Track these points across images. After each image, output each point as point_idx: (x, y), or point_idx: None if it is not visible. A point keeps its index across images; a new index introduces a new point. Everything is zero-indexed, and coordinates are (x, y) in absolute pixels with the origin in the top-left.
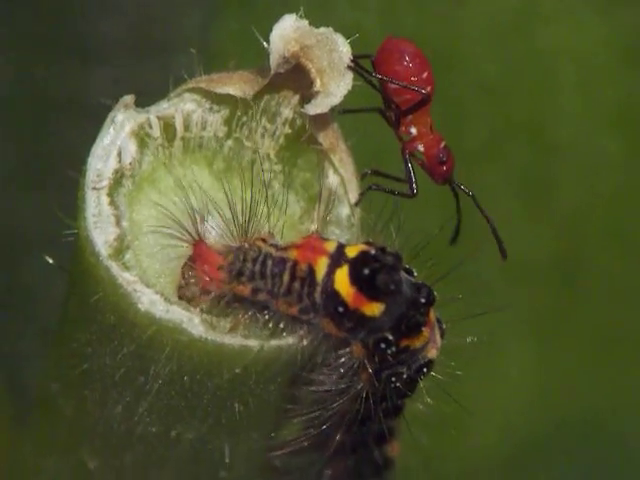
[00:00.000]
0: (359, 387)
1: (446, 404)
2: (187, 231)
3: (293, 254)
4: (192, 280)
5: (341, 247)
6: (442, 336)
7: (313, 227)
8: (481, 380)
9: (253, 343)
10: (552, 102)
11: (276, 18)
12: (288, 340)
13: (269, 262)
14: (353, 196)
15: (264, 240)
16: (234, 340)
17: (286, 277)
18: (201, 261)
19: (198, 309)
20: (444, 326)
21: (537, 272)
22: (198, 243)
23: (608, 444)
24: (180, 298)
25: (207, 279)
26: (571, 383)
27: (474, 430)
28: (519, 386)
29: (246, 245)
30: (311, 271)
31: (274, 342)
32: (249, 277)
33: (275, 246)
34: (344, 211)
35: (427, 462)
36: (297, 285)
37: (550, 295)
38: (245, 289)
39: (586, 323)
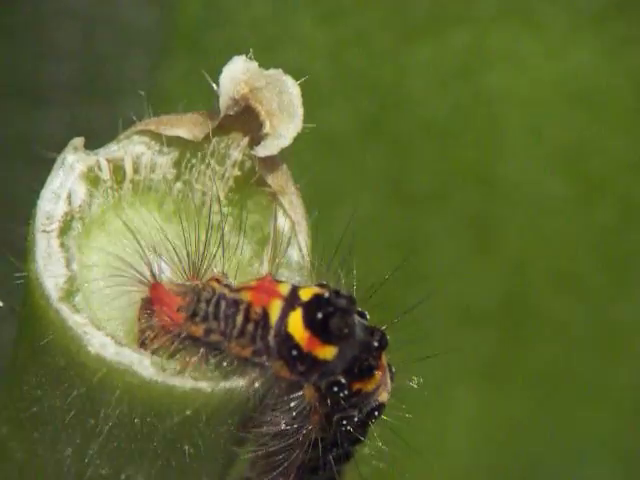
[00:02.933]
0: (309, 430)
1: (395, 447)
2: (140, 274)
3: (247, 296)
4: (149, 323)
5: (295, 290)
6: (392, 379)
7: (263, 269)
8: (429, 423)
9: (204, 385)
10: (499, 144)
11: (224, 60)
12: (239, 382)
13: (223, 303)
14: (302, 238)
15: (218, 280)
16: (185, 382)
17: (239, 319)
18: (160, 303)
19: (149, 351)
20: (394, 369)
21: (485, 315)
22: (155, 286)
23: None
24: (140, 341)
25: (167, 321)
26: (512, 426)
27: (423, 470)
28: (465, 428)
29: (200, 285)
30: (265, 314)
31: (225, 384)
32: (203, 318)
33: (229, 287)
34: (294, 253)
35: None
36: (250, 327)
37: (498, 338)
38: (198, 330)
39: (531, 366)
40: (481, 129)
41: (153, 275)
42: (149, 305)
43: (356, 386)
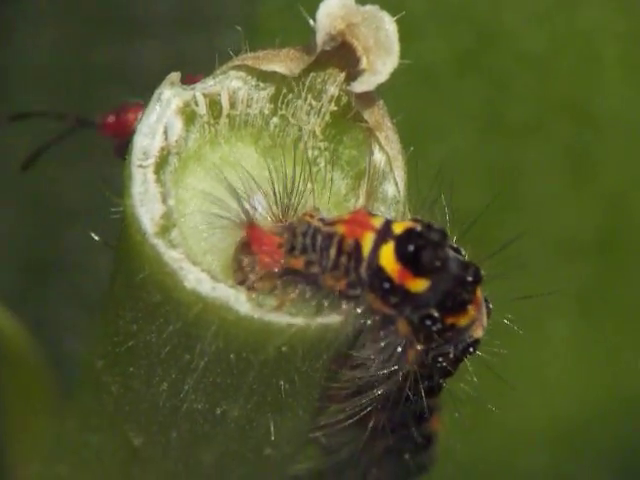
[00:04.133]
0: (406, 366)
1: (488, 382)
2: (235, 212)
3: (340, 229)
4: (249, 262)
5: (388, 223)
6: (489, 315)
7: (359, 203)
8: (525, 358)
9: (300, 321)
10: (596, 77)
11: None
12: (334, 317)
13: (318, 235)
14: (399, 173)
15: (310, 215)
16: (281, 318)
17: (333, 251)
18: (259, 243)
19: (248, 287)
20: (491, 305)
21: (582, 249)
22: (251, 226)
23: None
24: (240, 280)
25: (268, 259)
26: (609, 361)
27: (516, 407)
28: (562, 363)
29: (295, 220)
30: (357, 246)
31: (320, 319)
32: (302, 250)
33: (322, 220)
34: (390, 188)
35: (467, 438)
36: (344, 259)
37: (594, 273)
38: (298, 262)
39: (628, 301)
40: (578, 62)
41: (249, 215)
42: (247, 245)
43: (449, 320)
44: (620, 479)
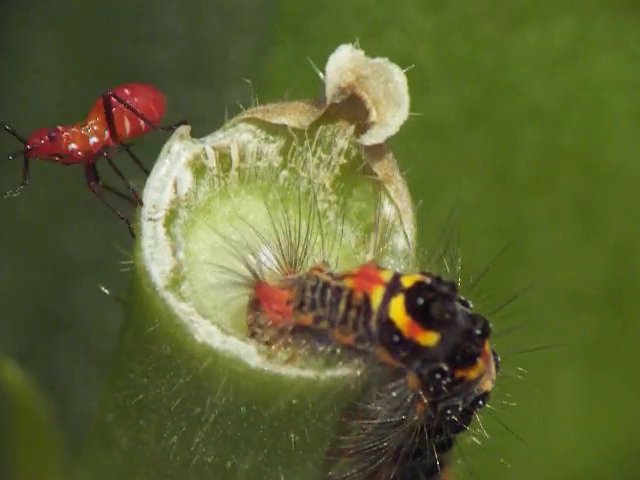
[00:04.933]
0: (414, 419)
1: (498, 436)
2: (244, 265)
3: (349, 283)
4: (259, 319)
5: (397, 276)
6: (497, 368)
7: (369, 257)
8: (533, 411)
9: (309, 374)
10: (604, 130)
11: (330, 48)
12: (343, 370)
13: (327, 290)
14: (408, 226)
15: (319, 269)
16: (291, 371)
17: (342, 306)
18: (268, 300)
19: (256, 341)
20: (499, 358)
21: (589, 301)
22: (259, 284)
23: None
24: (252, 336)
25: (277, 316)
26: (621, 413)
27: (524, 461)
28: (571, 416)
29: (304, 275)
30: (367, 300)
31: (330, 372)
32: (310, 306)
33: (331, 275)
34: (400, 241)
35: None
36: (353, 314)
37: (602, 323)
38: (307, 318)
39: (638, 352)
40: (586, 115)
41: (257, 272)
42: (257, 303)
43: (459, 374)
44: None
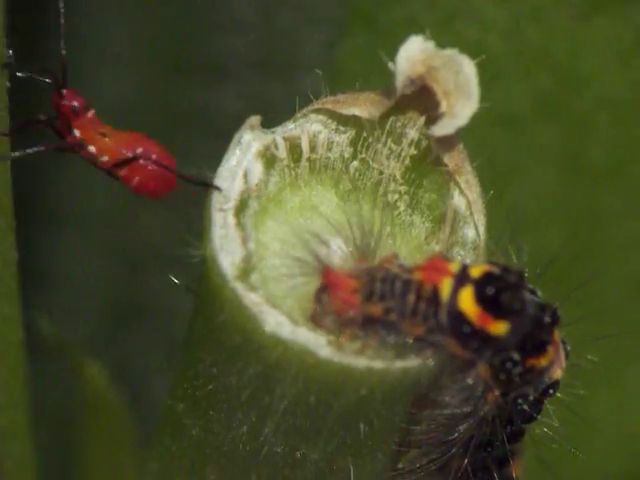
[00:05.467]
0: (485, 409)
1: (569, 425)
2: (314, 256)
3: (418, 275)
4: (327, 306)
5: (465, 267)
6: (567, 356)
7: (438, 248)
8: (604, 400)
9: (379, 364)
10: None
11: (400, 38)
12: (414, 361)
13: (396, 282)
14: (478, 217)
15: (389, 261)
16: (360, 362)
17: (412, 298)
18: (335, 288)
19: (326, 331)
20: (568, 347)
21: None
22: (327, 270)
23: None
24: (316, 325)
25: (344, 304)
26: None
27: (598, 449)
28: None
29: (374, 266)
30: (436, 292)
31: (400, 363)
32: (380, 297)
33: (400, 266)
34: (470, 232)
35: None
36: (423, 305)
37: None
38: (377, 309)
39: None
40: None
41: (326, 261)
42: (325, 290)
43: (529, 362)
44: None
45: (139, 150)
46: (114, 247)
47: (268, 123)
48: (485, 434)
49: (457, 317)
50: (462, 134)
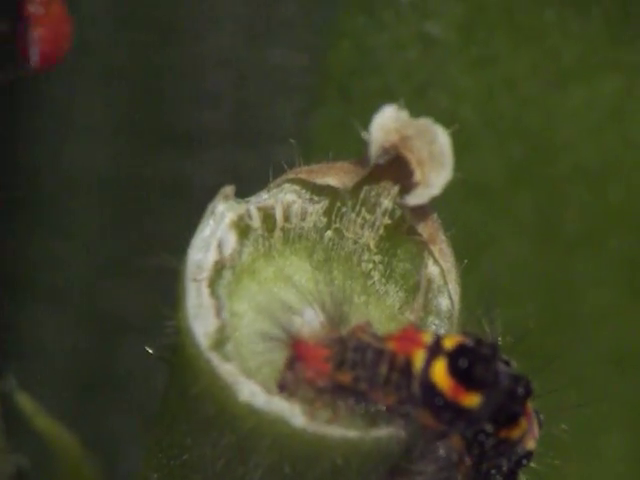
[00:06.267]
0: (458, 478)
1: None
2: (284, 327)
3: (391, 345)
4: (295, 376)
5: (438, 339)
6: (540, 426)
7: (412, 317)
8: (578, 470)
9: (353, 434)
10: None
11: (374, 108)
12: (387, 431)
13: (368, 352)
14: (453, 287)
15: (362, 329)
16: (335, 431)
17: (384, 368)
18: (305, 358)
19: (299, 401)
20: (541, 417)
21: (636, 362)
22: (298, 343)
23: None
24: (284, 393)
25: (314, 373)
26: None
27: None
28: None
29: (346, 334)
30: (408, 363)
31: (374, 433)
32: (351, 366)
33: (373, 336)
34: (444, 302)
35: None
36: (395, 376)
37: None
38: (346, 378)
39: None
40: (633, 174)
41: (297, 331)
42: (295, 361)
43: (502, 434)
44: None
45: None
46: (88, 318)
47: (242, 193)
48: None
49: (430, 389)
50: (436, 204)
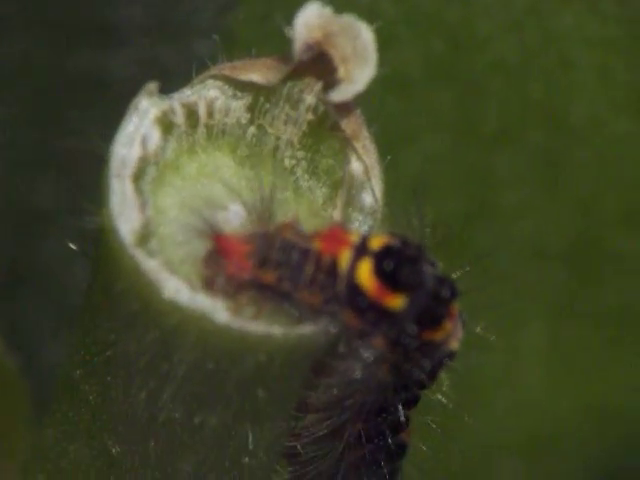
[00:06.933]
0: (381, 377)
1: (462, 392)
2: (206, 221)
3: (317, 245)
4: (217, 270)
5: (364, 239)
6: (463, 326)
7: (336, 214)
8: (499, 366)
9: (277, 331)
10: (569, 84)
11: (298, 4)
12: (311, 329)
13: (293, 251)
14: (376, 183)
15: (289, 227)
16: (258, 328)
17: (309, 267)
18: (226, 252)
19: (222, 297)
20: (465, 317)
21: (556, 256)
22: (220, 236)
23: (625, 426)
24: (206, 289)
25: (234, 268)
26: (582, 367)
27: (491, 419)
28: (536, 371)
29: (271, 231)
30: (334, 263)
31: (297, 330)
32: (274, 265)
33: (299, 234)
34: (367, 198)
35: (440, 446)
36: (320, 276)
37: (568, 278)
38: (270, 277)
39: (602, 307)
40: (551, 68)
41: (220, 224)
42: (215, 255)
43: (426, 336)
44: None
45: None
46: (5, 211)
47: (164, 89)
48: (380, 400)
49: (354, 289)
50: (359, 100)
